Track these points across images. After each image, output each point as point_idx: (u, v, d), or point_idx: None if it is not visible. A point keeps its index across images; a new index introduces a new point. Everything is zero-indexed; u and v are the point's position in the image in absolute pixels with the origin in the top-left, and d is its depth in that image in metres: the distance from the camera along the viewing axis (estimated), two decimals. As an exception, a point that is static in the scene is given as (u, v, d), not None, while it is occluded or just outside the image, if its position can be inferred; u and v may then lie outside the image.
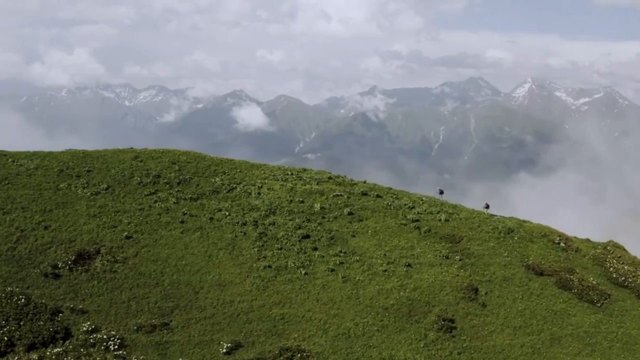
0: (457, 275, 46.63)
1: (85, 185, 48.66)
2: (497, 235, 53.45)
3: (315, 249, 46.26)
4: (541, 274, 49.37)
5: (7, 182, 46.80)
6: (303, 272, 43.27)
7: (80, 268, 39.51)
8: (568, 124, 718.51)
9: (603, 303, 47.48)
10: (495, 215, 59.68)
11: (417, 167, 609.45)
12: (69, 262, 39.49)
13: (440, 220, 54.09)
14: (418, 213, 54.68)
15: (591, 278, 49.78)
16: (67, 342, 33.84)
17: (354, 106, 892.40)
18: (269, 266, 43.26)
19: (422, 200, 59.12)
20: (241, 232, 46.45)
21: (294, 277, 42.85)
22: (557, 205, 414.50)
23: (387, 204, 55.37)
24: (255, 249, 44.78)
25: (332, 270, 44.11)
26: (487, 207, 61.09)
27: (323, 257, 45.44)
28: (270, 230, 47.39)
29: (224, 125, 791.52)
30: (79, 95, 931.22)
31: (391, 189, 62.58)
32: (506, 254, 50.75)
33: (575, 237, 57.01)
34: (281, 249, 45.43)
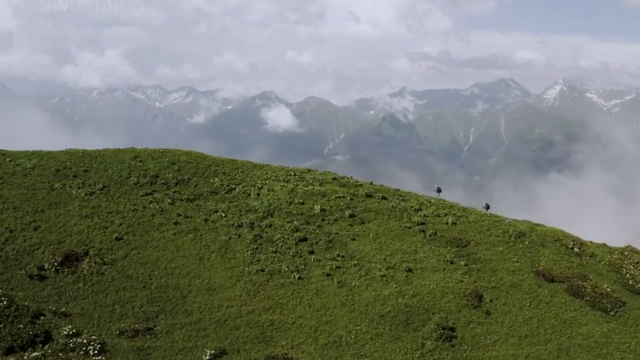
0: (461, 281, 44.61)
1: (81, 185, 47.90)
2: (506, 239, 51.22)
3: (312, 252, 44.69)
4: (552, 281, 47.02)
5: (1, 181, 46.27)
6: (297, 276, 41.74)
7: (66, 270, 38.62)
8: (599, 126, 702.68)
9: (617, 311, 44.94)
10: (507, 219, 57.28)
11: (446, 169, 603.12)
12: (56, 264, 38.63)
13: (447, 223, 52.04)
14: (424, 216, 52.72)
15: (605, 285, 47.24)
16: (47, 346, 32.92)
17: (383, 107, 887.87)
18: (262, 270, 41.84)
19: (430, 202, 57.09)
20: (236, 234, 45.13)
21: (287, 281, 41.35)
22: (587, 206, 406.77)
23: (392, 206, 53.51)
24: (249, 252, 43.40)
25: (328, 274, 42.48)
26: (487, 207, 58.93)
27: (319, 261, 43.85)
28: (267, 233, 45.98)
29: (253, 126, 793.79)
30: (110, 97, 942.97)
31: (398, 190, 60.64)
32: (515, 259, 48.52)
33: (590, 242, 54.39)
34: (276, 252, 43.96)
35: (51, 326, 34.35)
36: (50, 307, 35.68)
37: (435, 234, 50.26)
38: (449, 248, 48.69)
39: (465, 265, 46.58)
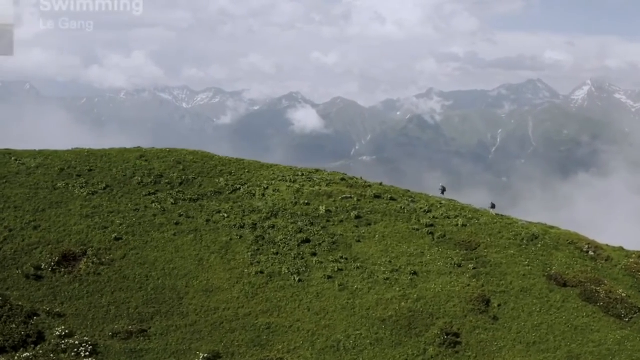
0: (468, 285, 43.25)
1: (84, 184, 47.63)
2: (518, 242, 49.66)
3: (314, 254, 43.73)
4: (564, 285, 45.38)
5: (5, 180, 46.21)
6: (297, 278, 40.81)
7: (63, 270, 38.23)
8: (627, 127, 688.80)
9: (632, 318, 43.13)
10: (521, 221, 55.66)
11: (473, 170, 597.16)
12: (52, 264, 38.27)
13: (457, 225, 50.65)
14: (433, 217, 51.40)
15: (620, 290, 45.43)
16: (39, 346, 32.50)
17: (410, 108, 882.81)
18: (261, 272, 41.00)
19: (440, 203, 55.71)
20: (237, 235, 44.38)
21: (287, 284, 40.44)
22: (614, 206, 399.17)
23: (401, 207, 52.29)
24: (249, 254, 42.60)
25: (329, 277, 41.48)
26: (493, 206, 57.47)
27: (321, 263, 42.87)
28: (269, 234, 45.15)
29: (279, 127, 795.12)
30: (137, 97, 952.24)
31: (408, 191, 59.34)
32: (527, 262, 46.96)
33: (607, 245, 52.55)
34: (277, 253, 43.10)
35: (44, 326, 33.97)
36: (44, 308, 35.29)
37: (444, 236, 48.95)
38: (457, 251, 47.34)
39: (474, 268, 45.20)
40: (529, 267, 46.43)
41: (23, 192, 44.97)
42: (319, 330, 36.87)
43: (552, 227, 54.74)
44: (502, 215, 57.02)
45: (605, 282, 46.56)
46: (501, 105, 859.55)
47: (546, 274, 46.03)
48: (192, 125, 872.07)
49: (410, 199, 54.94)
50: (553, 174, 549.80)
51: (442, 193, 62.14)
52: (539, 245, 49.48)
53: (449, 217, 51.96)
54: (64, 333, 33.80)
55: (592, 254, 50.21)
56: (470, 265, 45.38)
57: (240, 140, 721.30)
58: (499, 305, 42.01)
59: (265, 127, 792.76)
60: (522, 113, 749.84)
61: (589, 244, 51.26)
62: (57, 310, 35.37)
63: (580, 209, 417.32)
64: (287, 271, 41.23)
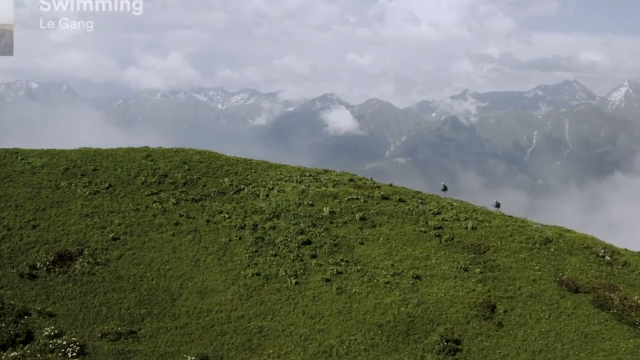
0: (473, 290, 41.77)
1: (87, 184, 47.51)
2: (530, 246, 47.92)
3: (314, 256, 42.75)
4: (576, 291, 43.56)
5: (9, 179, 46.37)
6: (294, 281, 39.90)
7: (58, 269, 38.01)
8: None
9: (646, 326, 41.15)
10: (535, 224, 53.72)
11: (508, 172, 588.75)
12: (48, 263, 38.10)
13: (466, 227, 49.13)
14: (442, 220, 49.94)
15: (636, 297, 43.38)
16: (27, 346, 32.26)
17: (445, 109, 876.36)
18: (258, 274, 40.19)
19: (452, 205, 54.17)
20: (237, 236, 43.68)
21: (283, 286, 39.57)
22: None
23: (409, 209, 50.95)
24: (247, 255, 41.85)
25: (328, 280, 40.47)
26: (498, 205, 55.76)
27: (321, 265, 41.88)
28: (270, 235, 44.34)
29: (314, 128, 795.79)
30: (173, 99, 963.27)
31: (419, 192, 57.92)
32: (538, 267, 45.24)
33: (625, 250, 50.37)
34: (276, 255, 42.25)
35: (34, 326, 33.71)
36: (36, 307, 35.06)
37: (452, 239, 47.51)
38: (465, 254, 45.87)
39: (481, 273, 43.69)
40: (540, 272, 44.73)
41: (25, 191, 45.04)
42: (312, 334, 35.91)
43: (567, 231, 52.75)
44: (505, 215, 55.43)
45: (621, 288, 44.60)
46: (537, 107, 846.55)
47: (558, 279, 44.28)
48: (227, 126, 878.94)
49: (420, 201, 53.55)
50: (589, 175, 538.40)
51: (443, 191, 60.56)
52: (552, 250, 47.68)
53: (458, 220, 50.46)
54: (53, 333, 33.50)
55: (609, 258, 48.17)
56: (477, 270, 43.89)
57: (275, 141, 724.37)
58: (505, 312, 40.46)
59: (300, 128, 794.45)
60: (558, 114, 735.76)
61: (605, 248, 49.18)
62: (49, 309, 35.10)
63: (616, 211, 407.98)
64: (284, 273, 40.36)
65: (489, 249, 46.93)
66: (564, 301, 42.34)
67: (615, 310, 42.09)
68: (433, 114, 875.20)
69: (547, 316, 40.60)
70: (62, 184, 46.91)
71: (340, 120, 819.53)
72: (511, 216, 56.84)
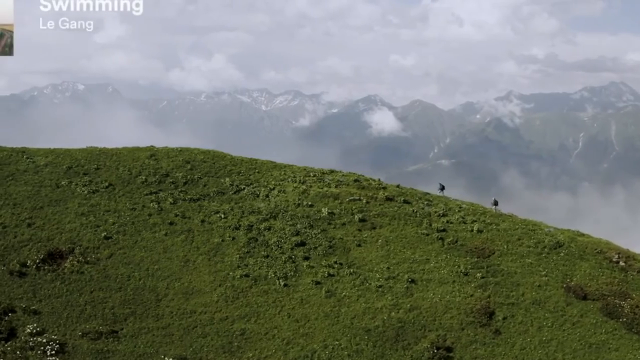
0: (471, 295, 40.17)
1: (87, 183, 47.70)
2: (539, 250, 45.91)
3: (307, 258, 41.81)
4: (584, 298, 41.46)
5: (11, 178, 46.93)
6: (282, 283, 39.06)
7: (47, 267, 38.15)
8: None
9: (658, 337, 38.80)
10: (549, 227, 51.47)
11: (554, 174, 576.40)
12: (37, 261, 38.28)
13: (471, 230, 47.42)
14: (447, 222, 48.34)
15: (649, 305, 41.00)
16: (9, 343, 32.38)
17: (489, 111, 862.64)
18: (247, 275, 39.51)
19: (460, 207, 52.42)
20: (230, 236, 43.10)
21: (271, 288, 38.77)
22: None
23: (413, 210, 49.49)
24: (238, 256, 41.22)
25: (318, 283, 39.48)
26: (496, 203, 53.83)
27: (312, 267, 40.92)
28: (264, 236, 43.62)
29: (357, 129, 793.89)
30: (217, 100, 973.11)
31: (427, 194, 56.32)
32: (544, 272, 43.26)
33: (642, 255, 47.80)
34: (267, 256, 41.49)
35: (18, 323, 33.81)
36: (22, 304, 35.20)
37: (456, 242, 45.90)
38: (467, 258, 44.22)
39: (482, 277, 42.01)
40: (546, 278, 42.78)
41: (25, 190, 45.49)
42: (295, 338, 35.02)
43: (582, 235, 50.41)
44: (504, 213, 53.84)
45: (633, 295, 42.25)
46: (583, 108, 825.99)
47: (565, 285, 42.24)
48: (270, 128, 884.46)
49: (426, 202, 52.00)
50: (636, 177, 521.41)
51: (441, 191, 58.77)
52: (562, 254, 45.58)
53: (465, 222, 48.77)
54: (34, 330, 33.55)
55: (623, 264, 45.73)
56: (478, 274, 42.23)
57: (317, 142, 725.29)
58: (504, 318, 38.77)
59: (343, 130, 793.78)
60: (604, 116, 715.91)
61: (619, 253, 46.73)
62: (34, 307, 35.19)
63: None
64: (273, 275, 39.57)
65: (493, 253, 45.16)
66: (569, 308, 40.36)
67: (625, 319, 39.94)
68: (477, 116, 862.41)
69: (550, 324, 38.74)
70: (62, 182, 47.23)
71: (384, 122, 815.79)
72: (527, 219, 54.82)
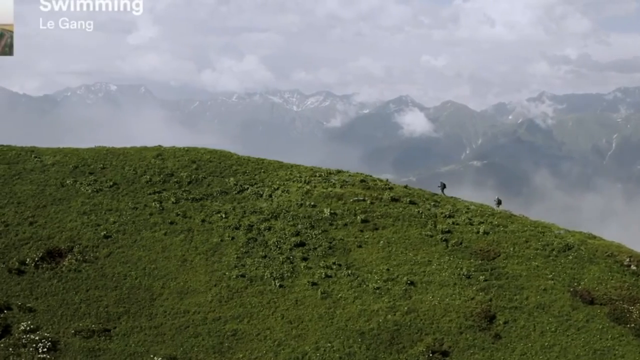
0: (472, 298, 39.28)
1: (92, 182, 47.98)
2: (547, 253, 44.74)
3: (305, 258, 41.37)
4: (591, 303, 40.23)
5: (17, 177, 47.48)
6: (278, 284, 38.70)
7: (46, 266, 38.43)
8: None
9: (667, 344, 37.39)
10: (560, 229, 50.15)
11: (587, 176, 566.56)
12: (36, 259, 38.59)
13: (477, 232, 46.43)
14: (453, 223, 47.41)
15: (660, 311, 39.58)
16: (2, 340, 32.70)
17: (522, 112, 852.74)
18: (243, 275, 39.24)
19: (468, 209, 51.41)
20: (230, 236, 42.89)
21: (267, 289, 38.43)
22: None
23: (419, 211, 48.67)
24: (236, 256, 41.00)
25: (314, 284, 39.01)
26: (499, 202, 52.67)
27: (310, 268, 40.46)
28: (263, 236, 43.32)
29: (389, 130, 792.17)
30: (249, 101, 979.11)
31: (434, 195, 55.40)
32: (551, 276, 42.13)
33: (656, 260, 46.17)
34: (265, 257, 41.17)
35: (14, 320, 34.02)
36: (18, 302, 35.50)
37: (460, 243, 45.01)
38: (471, 260, 43.30)
39: (485, 280, 41.06)
40: (552, 281, 41.64)
41: (30, 189, 45.99)
42: (287, 340, 34.63)
43: (593, 237, 49.01)
44: (504, 211, 52.91)
45: (643, 301, 40.84)
46: (617, 109, 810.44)
47: (572, 289, 41.05)
48: (302, 128, 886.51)
49: (433, 203, 51.13)
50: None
51: (442, 191, 57.68)
52: (570, 257, 44.34)
53: (471, 224, 47.80)
54: (28, 328, 33.73)
55: (634, 268, 44.29)
56: (480, 277, 41.30)
57: (348, 143, 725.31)
58: (505, 323, 37.80)
59: (375, 130, 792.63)
60: (638, 117, 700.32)
61: (631, 256, 45.25)
62: (30, 305, 35.41)
63: None
64: (269, 276, 39.23)
65: (499, 255, 44.15)
66: (575, 313, 39.20)
67: (633, 325, 38.66)
68: (509, 117, 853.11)
69: (553, 329, 37.66)
70: (67, 181, 47.62)
71: (415, 123, 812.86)
72: (537, 220, 53.58)
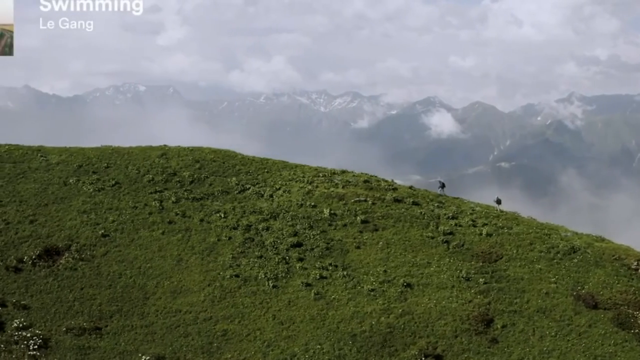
0: (470, 301, 38.51)
1: (95, 181, 48.30)
2: (551, 255, 43.68)
3: (301, 259, 41.02)
4: (595, 307, 39.13)
5: (22, 176, 48.03)
6: (271, 284, 38.42)
7: (43, 264, 38.77)
8: None
9: (672, 350, 36.17)
10: (568, 232, 48.96)
11: (615, 177, 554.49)
12: (34, 257, 38.95)
13: (480, 234, 45.57)
14: (456, 225, 46.62)
15: (666, 317, 38.33)
16: (-5, 336, 33.05)
17: (550, 113, 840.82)
18: (237, 275, 39.06)
19: (473, 210, 50.52)
20: (227, 236, 42.75)
21: (260, 289, 38.19)
22: None
23: (421, 212, 47.99)
24: (231, 256, 40.85)
25: (308, 285, 38.64)
26: (499, 202, 51.54)
27: (305, 269, 40.09)
28: (261, 236, 43.11)
29: (416, 131, 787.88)
30: (277, 101, 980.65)
31: (440, 195, 54.57)
32: (554, 279, 41.10)
33: (665, 264, 44.77)
34: (261, 257, 40.94)
35: (7, 317, 34.38)
36: (13, 299, 35.84)
37: (462, 245, 44.22)
38: (472, 263, 42.50)
39: (485, 283, 40.23)
40: (555, 285, 40.61)
41: (33, 187, 46.47)
42: (277, 341, 34.34)
43: (601, 240, 47.76)
44: (505, 211, 52.05)
45: (649, 306, 39.59)
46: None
47: (575, 293, 39.98)
48: (329, 129, 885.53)
49: (437, 204, 50.36)
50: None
51: (441, 189, 56.67)
52: (575, 260, 43.22)
53: (475, 225, 46.95)
54: (21, 325, 34.02)
55: (642, 272, 42.99)
56: (480, 279, 40.48)
57: (375, 144, 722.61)
58: (503, 327, 36.98)
59: (402, 131, 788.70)
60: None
61: (639, 260, 43.95)
62: (24, 302, 35.74)
63: None
64: (263, 276, 38.98)
65: (501, 258, 43.25)
66: (577, 318, 38.16)
67: (637, 330, 37.54)
68: (538, 118, 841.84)
69: (553, 333, 36.71)
70: (70, 180, 48.03)
71: (442, 124, 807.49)
72: (547, 222, 52.48)
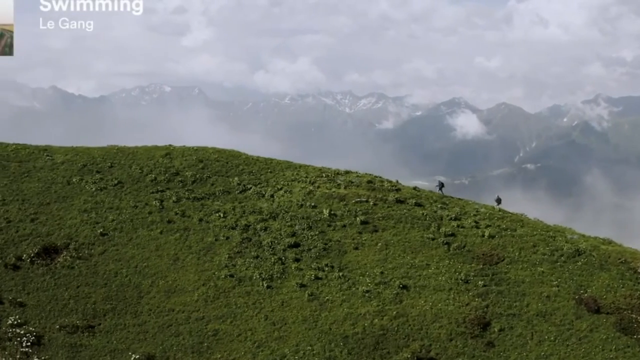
0: (467, 304, 37.91)
1: (98, 180, 48.62)
2: (555, 258, 42.85)
3: (297, 260, 40.77)
4: (597, 311, 38.29)
5: (27, 175, 48.54)
6: (266, 285, 38.24)
7: (41, 262, 39.10)
8: None
9: (674, 357, 35.18)
10: (574, 234, 47.95)
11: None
12: (32, 255, 39.32)
13: (482, 236, 44.86)
14: (458, 226, 45.95)
15: (670, 323, 37.29)
16: (-10, 333, 33.41)
17: (577, 114, 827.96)
18: (232, 275, 38.96)
19: (477, 211, 49.77)
20: (225, 236, 42.68)
21: (254, 290, 38.03)
22: None
23: (423, 213, 47.40)
24: (227, 255, 40.76)
25: (302, 285, 38.37)
26: (499, 201, 50.66)
27: (301, 270, 39.83)
28: (258, 236, 42.96)
29: (441, 132, 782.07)
30: (301, 102, 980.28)
31: (444, 196, 53.83)
32: (556, 282, 40.31)
33: (672, 268, 43.58)
34: (257, 257, 40.78)
35: (3, 315, 34.77)
36: (10, 296, 36.20)
37: (463, 247, 43.58)
38: (472, 265, 41.85)
39: (484, 286, 39.59)
40: (557, 288, 39.82)
41: (37, 186, 46.95)
42: (268, 341, 34.15)
43: (608, 243, 46.72)
44: (506, 212, 51.49)
45: (653, 311, 38.55)
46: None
47: (577, 297, 39.13)
48: (354, 130, 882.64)
49: (440, 206, 49.69)
50: None
51: (440, 190, 55.79)
52: (579, 263, 42.33)
53: (477, 227, 46.22)
54: (16, 322, 34.40)
55: (648, 276, 41.88)
56: (480, 282, 39.84)
57: (400, 145, 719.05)
58: (500, 330, 36.34)
59: (427, 132, 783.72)
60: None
61: (645, 264, 42.83)
62: (20, 299, 36.10)
63: None
64: (258, 276, 38.82)
65: (502, 260, 42.52)
66: (579, 322, 37.37)
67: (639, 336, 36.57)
68: (564, 119, 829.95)
69: (552, 338, 36.00)
70: (74, 180, 48.42)
71: (468, 125, 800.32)
72: (555, 225, 51.56)
